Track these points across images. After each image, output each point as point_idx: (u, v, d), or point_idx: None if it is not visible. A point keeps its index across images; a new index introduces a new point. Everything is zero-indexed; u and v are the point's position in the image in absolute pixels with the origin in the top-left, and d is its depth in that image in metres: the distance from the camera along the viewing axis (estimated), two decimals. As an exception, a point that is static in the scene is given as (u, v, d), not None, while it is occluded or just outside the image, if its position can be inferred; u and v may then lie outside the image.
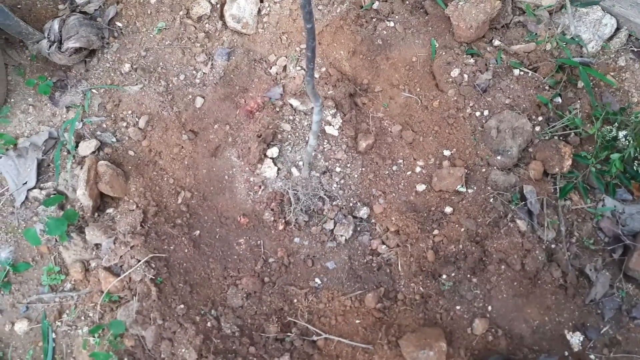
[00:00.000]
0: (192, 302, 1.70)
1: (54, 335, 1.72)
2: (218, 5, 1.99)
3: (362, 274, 1.76)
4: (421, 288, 1.72)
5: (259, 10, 1.98)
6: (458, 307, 1.70)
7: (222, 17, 1.99)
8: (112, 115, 1.91)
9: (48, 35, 1.86)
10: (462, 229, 1.76)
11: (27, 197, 1.84)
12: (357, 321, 1.70)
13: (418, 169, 1.85)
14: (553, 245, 1.76)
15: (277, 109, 1.89)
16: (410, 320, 1.69)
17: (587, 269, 1.71)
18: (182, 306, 1.66)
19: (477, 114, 1.88)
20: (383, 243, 1.78)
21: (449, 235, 1.76)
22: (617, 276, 1.74)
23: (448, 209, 1.80)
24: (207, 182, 1.86)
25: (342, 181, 1.84)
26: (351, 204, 1.82)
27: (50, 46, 1.86)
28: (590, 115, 1.84)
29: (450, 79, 1.91)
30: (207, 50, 1.96)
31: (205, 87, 1.92)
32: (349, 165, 1.85)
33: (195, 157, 1.87)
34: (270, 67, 1.96)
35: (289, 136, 1.87)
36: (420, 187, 1.83)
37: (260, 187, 1.82)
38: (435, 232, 1.77)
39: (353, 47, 1.95)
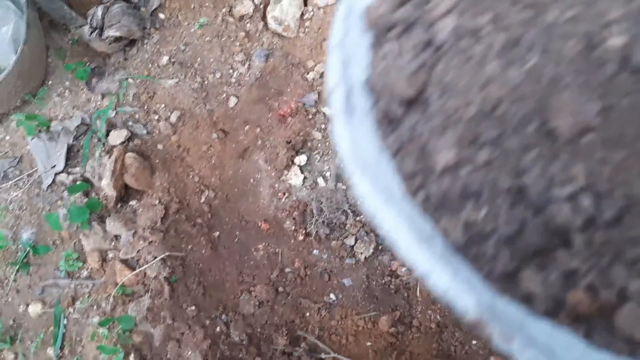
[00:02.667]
0: (204, 304, 1.67)
1: (65, 322, 1.73)
2: (261, 6, 1.97)
3: (379, 295, 1.71)
4: (438, 317, 1.67)
5: (302, 15, 1.95)
6: (474, 342, 1.65)
7: (264, 17, 1.97)
8: (145, 107, 1.90)
9: (91, 21, 1.87)
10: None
11: (54, 181, 1.85)
12: (369, 343, 1.65)
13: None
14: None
15: (310, 116, 1.85)
16: (423, 349, 1.63)
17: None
18: (193, 308, 1.64)
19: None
20: (403, 265, 1.72)
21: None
22: None
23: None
24: (232, 183, 1.83)
25: (368, 197, 1.78)
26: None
27: (91, 33, 1.86)
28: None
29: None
30: (246, 50, 1.94)
31: (241, 87, 1.90)
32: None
33: (223, 157, 1.85)
34: (308, 73, 1.93)
35: (319, 145, 1.83)
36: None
37: (284, 194, 1.79)
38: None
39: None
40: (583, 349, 0.42)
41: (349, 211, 1.76)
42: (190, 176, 1.83)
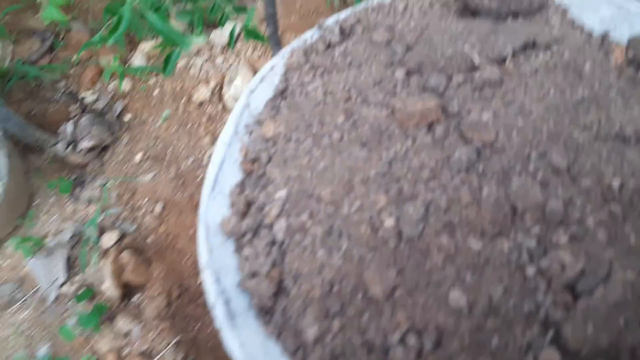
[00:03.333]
0: (221, 380, 1.76)
1: None
2: (217, 89, 2.10)
3: None
4: None
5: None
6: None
7: (221, 99, 2.09)
8: (130, 205, 2.00)
9: (63, 137, 2.00)
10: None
11: (58, 294, 1.93)
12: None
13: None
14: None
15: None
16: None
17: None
18: (211, 384, 1.74)
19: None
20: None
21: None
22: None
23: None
24: (224, 259, 1.93)
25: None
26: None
27: (66, 148, 1.99)
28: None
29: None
30: (211, 131, 2.06)
31: (213, 167, 2.02)
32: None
33: (211, 236, 1.95)
34: (272, 142, 2.05)
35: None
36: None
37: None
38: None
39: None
40: None
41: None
42: (184, 261, 1.92)
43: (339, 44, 0.79)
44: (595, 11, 0.75)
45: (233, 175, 0.74)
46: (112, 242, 1.94)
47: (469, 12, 0.76)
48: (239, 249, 0.68)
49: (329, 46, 0.80)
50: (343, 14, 0.83)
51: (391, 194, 0.59)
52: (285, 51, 0.82)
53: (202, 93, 2.08)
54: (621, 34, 0.73)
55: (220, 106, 2.09)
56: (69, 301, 1.92)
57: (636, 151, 0.61)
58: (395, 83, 0.69)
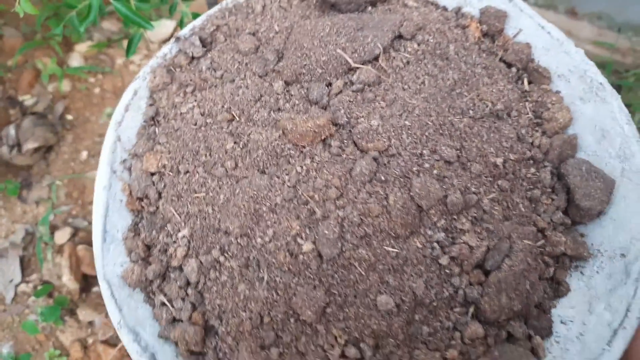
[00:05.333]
0: None
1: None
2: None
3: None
4: None
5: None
6: None
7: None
8: (80, 201, 2.03)
9: (6, 141, 1.99)
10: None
11: (16, 293, 1.96)
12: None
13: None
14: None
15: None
16: None
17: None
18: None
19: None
20: None
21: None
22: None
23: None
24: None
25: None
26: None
27: (10, 151, 1.99)
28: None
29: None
30: (155, 122, 2.07)
31: (158, 153, 2.04)
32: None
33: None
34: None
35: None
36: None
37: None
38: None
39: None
40: None
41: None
42: (140, 246, 1.97)
43: (203, 56, 0.76)
44: None
45: (122, 219, 0.70)
46: (66, 238, 1.96)
47: (328, 5, 0.76)
48: (149, 298, 0.66)
49: (192, 59, 0.76)
50: (198, 21, 0.79)
51: (303, 218, 0.60)
52: (144, 71, 0.77)
53: (144, 90, 2.09)
54: (472, 7, 0.76)
55: (160, 99, 2.09)
56: (29, 298, 1.94)
57: (509, 124, 0.66)
58: (276, 97, 0.69)
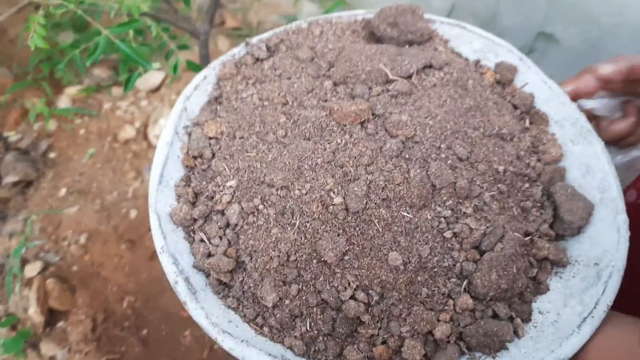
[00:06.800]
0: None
1: None
2: (142, 128, 2.21)
3: None
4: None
5: (179, 129, 2.21)
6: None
7: (146, 137, 2.21)
8: (53, 237, 2.05)
9: (-13, 175, 2.06)
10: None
11: (-21, 324, 1.95)
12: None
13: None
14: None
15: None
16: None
17: None
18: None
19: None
20: None
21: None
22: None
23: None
24: (149, 284, 2.00)
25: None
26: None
27: (-10, 184, 2.05)
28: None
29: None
30: (136, 167, 2.16)
31: (138, 199, 2.11)
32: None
33: (135, 264, 2.02)
34: (193, 175, 2.17)
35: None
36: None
37: (198, 282, 1.99)
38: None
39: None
40: None
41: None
42: (109, 287, 1.98)
43: (267, 59, 0.89)
44: (469, 43, 0.93)
45: (177, 171, 0.79)
46: (36, 272, 1.98)
47: (374, 39, 0.91)
48: (189, 236, 0.75)
49: (257, 60, 0.89)
50: (266, 35, 0.93)
51: (337, 177, 0.71)
52: (215, 63, 0.89)
53: (128, 132, 2.20)
54: (489, 61, 0.91)
55: (145, 144, 2.20)
56: (-11, 332, 1.94)
57: (511, 145, 0.80)
58: (325, 91, 0.81)
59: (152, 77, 2.35)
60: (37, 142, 2.20)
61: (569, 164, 0.83)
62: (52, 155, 2.19)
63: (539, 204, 0.79)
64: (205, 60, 1.53)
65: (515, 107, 0.88)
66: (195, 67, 1.33)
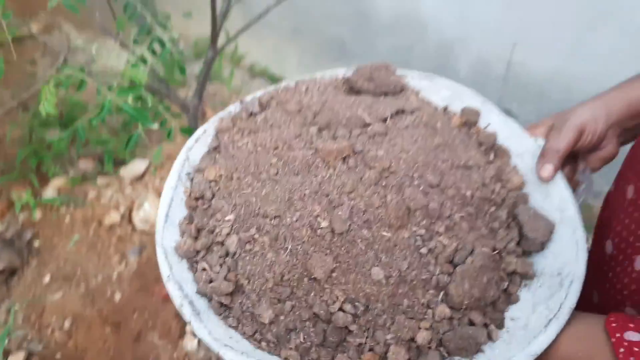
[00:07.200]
0: None
1: None
2: (127, 213, 2.29)
3: None
4: None
5: (163, 212, 2.30)
6: None
7: (130, 222, 2.28)
8: (37, 325, 2.08)
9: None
10: None
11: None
12: None
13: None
14: None
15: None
16: None
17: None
18: None
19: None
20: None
21: None
22: None
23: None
24: (133, 367, 2.03)
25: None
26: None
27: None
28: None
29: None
30: (120, 251, 2.22)
31: (122, 282, 2.16)
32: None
33: (120, 346, 2.04)
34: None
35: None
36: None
37: (184, 360, 2.01)
38: None
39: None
40: None
41: None
42: (93, 373, 2.01)
43: (259, 113, 0.99)
44: (437, 93, 1.05)
45: (180, 212, 0.87)
46: (20, 360, 2.00)
47: (354, 92, 1.03)
48: (193, 265, 0.82)
49: (251, 114, 0.99)
50: (258, 93, 1.03)
51: (323, 204, 0.79)
52: (214, 119, 0.99)
53: (113, 217, 2.27)
54: (456, 107, 1.03)
55: (129, 228, 2.27)
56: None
57: (477, 174, 0.89)
58: (311, 135, 0.91)
59: (136, 165, 2.46)
60: (22, 231, 2.26)
61: (531, 190, 0.93)
62: (36, 243, 2.25)
63: (505, 225, 0.88)
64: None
65: (480, 144, 0.98)
66: (189, 132, 1.44)
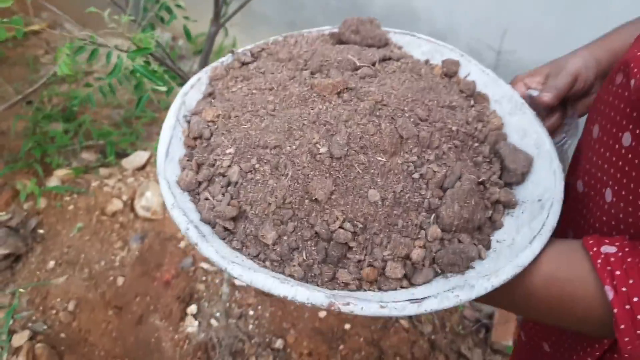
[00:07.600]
0: None
1: None
2: (129, 201, 2.35)
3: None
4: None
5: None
6: None
7: (132, 209, 2.34)
8: (41, 307, 2.13)
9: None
10: (361, 339, 2.06)
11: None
12: None
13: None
14: (432, 336, 2.09)
15: (191, 274, 2.19)
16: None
17: (462, 349, 2.06)
18: None
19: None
20: (298, 365, 2.02)
21: (352, 347, 2.04)
22: (486, 350, 2.10)
23: (347, 326, 2.09)
24: (136, 348, 2.07)
25: (257, 321, 2.11)
26: (267, 339, 2.08)
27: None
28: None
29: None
30: (123, 237, 2.28)
31: (125, 267, 2.21)
32: (259, 306, 2.14)
33: (122, 329, 2.10)
34: (180, 243, 2.29)
35: (204, 294, 2.15)
36: (322, 314, 2.14)
37: (185, 341, 2.05)
38: (341, 347, 2.05)
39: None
40: (380, 297, 0.80)
41: (244, 338, 2.06)
42: (96, 352, 2.04)
43: (251, 63, 1.04)
44: (418, 47, 1.13)
45: (179, 150, 0.91)
46: (23, 341, 2.04)
47: (341, 44, 1.09)
48: (196, 197, 0.86)
49: (243, 64, 1.04)
50: (249, 46, 1.09)
51: (322, 133, 0.84)
52: (207, 68, 1.04)
53: (115, 205, 2.33)
54: (436, 60, 1.10)
55: (132, 215, 2.32)
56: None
57: (460, 113, 0.96)
58: (304, 78, 0.96)
59: (138, 157, 2.51)
60: (27, 219, 2.31)
61: (509, 130, 1.01)
62: (41, 231, 2.30)
63: (487, 160, 0.95)
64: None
65: (461, 91, 1.06)
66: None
